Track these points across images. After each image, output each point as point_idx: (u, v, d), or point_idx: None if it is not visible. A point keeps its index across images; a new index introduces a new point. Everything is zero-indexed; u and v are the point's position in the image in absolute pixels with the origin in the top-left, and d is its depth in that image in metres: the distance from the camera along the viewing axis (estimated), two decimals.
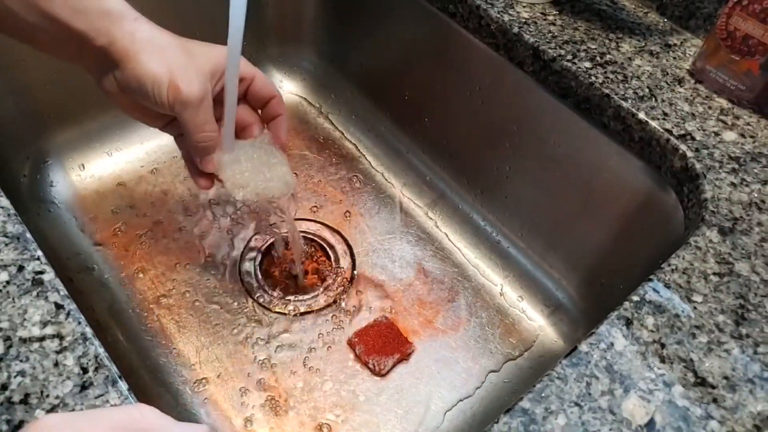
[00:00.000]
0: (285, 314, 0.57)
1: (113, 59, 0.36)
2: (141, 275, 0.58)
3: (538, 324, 0.59)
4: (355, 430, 0.51)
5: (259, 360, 0.54)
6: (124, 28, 0.36)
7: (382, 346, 0.55)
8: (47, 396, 0.29)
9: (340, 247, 0.62)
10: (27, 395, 0.29)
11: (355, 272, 0.61)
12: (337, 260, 0.61)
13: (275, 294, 0.58)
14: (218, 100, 0.40)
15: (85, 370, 0.30)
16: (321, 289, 0.59)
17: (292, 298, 0.58)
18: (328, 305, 0.58)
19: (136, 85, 0.36)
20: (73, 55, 0.37)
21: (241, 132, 0.43)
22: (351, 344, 0.55)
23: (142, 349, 0.53)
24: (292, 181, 0.43)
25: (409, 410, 0.52)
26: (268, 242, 0.62)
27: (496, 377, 0.55)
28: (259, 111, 0.44)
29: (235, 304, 0.57)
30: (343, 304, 0.58)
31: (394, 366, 0.55)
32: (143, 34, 0.36)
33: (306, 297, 0.58)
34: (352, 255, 0.62)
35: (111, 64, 0.36)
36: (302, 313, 0.57)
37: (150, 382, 0.52)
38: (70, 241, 0.60)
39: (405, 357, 0.55)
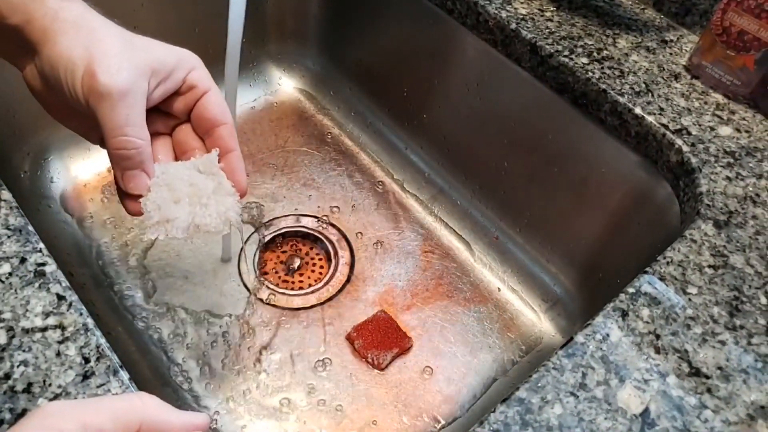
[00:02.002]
0: (284, 308, 0.57)
1: (31, 42, 0.30)
2: (141, 271, 0.58)
3: (536, 318, 0.60)
4: (354, 424, 0.51)
5: (258, 355, 0.54)
6: (48, 4, 0.29)
7: (381, 341, 0.56)
8: (50, 385, 0.29)
9: (339, 243, 0.63)
10: (30, 384, 0.29)
11: (354, 267, 0.61)
12: (335, 255, 0.62)
13: (273, 288, 0.59)
14: (159, 113, 0.33)
15: (86, 360, 0.30)
16: (320, 284, 0.60)
17: (290, 292, 0.59)
18: (327, 300, 0.59)
19: (50, 73, 0.29)
20: None
21: (179, 156, 0.34)
22: (350, 339, 0.56)
23: (142, 343, 0.54)
24: (235, 217, 0.33)
25: (408, 404, 0.53)
26: (268, 236, 0.62)
27: (494, 371, 0.56)
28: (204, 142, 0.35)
29: (234, 299, 0.57)
30: (341, 299, 0.59)
31: (392, 360, 0.55)
32: (69, 14, 0.29)
33: (304, 291, 0.59)
34: (350, 250, 0.62)
35: (30, 50, 0.30)
36: (301, 308, 0.58)
37: (150, 375, 0.52)
38: (70, 236, 0.60)
39: (404, 351, 0.56)
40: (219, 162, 0.32)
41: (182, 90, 0.32)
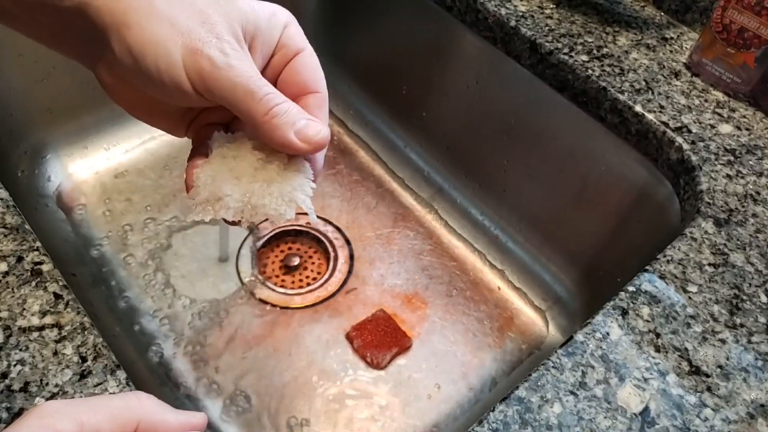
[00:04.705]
0: (282, 307, 0.57)
1: (97, 29, 0.24)
2: (139, 270, 0.58)
3: (536, 317, 0.60)
4: (353, 423, 0.51)
5: (257, 354, 0.54)
6: None
7: (381, 340, 0.56)
8: (47, 384, 0.29)
9: (338, 241, 0.63)
10: (27, 383, 0.29)
11: (353, 266, 0.61)
12: (334, 253, 0.62)
13: (272, 287, 0.58)
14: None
15: (84, 359, 0.30)
16: (319, 283, 0.59)
17: (289, 291, 0.58)
18: (326, 299, 0.58)
19: (131, 63, 0.24)
20: (54, 33, 0.26)
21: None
22: (349, 338, 0.56)
23: (140, 344, 0.54)
24: (303, 199, 0.26)
25: (407, 403, 0.53)
26: (266, 236, 0.62)
27: (494, 370, 0.56)
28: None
29: (234, 298, 0.57)
30: (341, 298, 0.59)
31: (392, 359, 0.55)
32: None
33: (304, 290, 0.59)
34: (349, 248, 0.62)
35: (98, 39, 0.25)
36: (300, 307, 0.58)
37: (148, 375, 0.52)
38: (68, 235, 0.60)
39: (403, 350, 0.55)
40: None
41: (273, 51, 0.27)
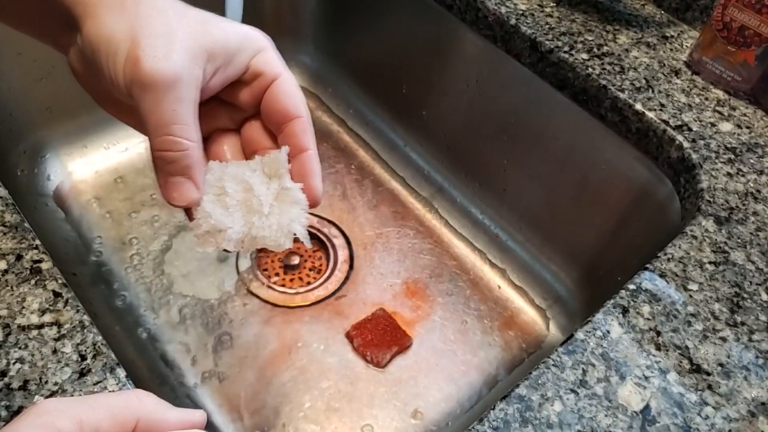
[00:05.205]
0: (282, 306, 0.57)
1: (73, 17, 0.25)
2: (139, 269, 0.58)
3: (536, 316, 0.60)
4: (354, 423, 0.51)
5: (256, 353, 0.54)
6: None
7: (381, 339, 0.55)
8: (46, 382, 0.29)
9: (338, 240, 0.63)
10: (26, 382, 0.29)
11: (353, 265, 0.61)
12: (334, 253, 0.62)
13: (272, 286, 0.58)
14: (224, 105, 0.28)
15: (83, 357, 0.30)
16: (319, 282, 0.59)
17: (289, 290, 0.58)
18: (326, 297, 0.58)
19: (91, 56, 0.25)
20: (35, 20, 0.27)
21: (248, 157, 0.29)
22: (349, 337, 0.56)
23: (139, 342, 0.53)
24: (300, 231, 0.27)
25: (407, 402, 0.52)
26: None
27: (494, 369, 0.56)
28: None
29: (234, 297, 0.57)
30: (341, 297, 0.59)
31: (392, 358, 0.55)
32: None
33: (304, 289, 0.59)
34: (349, 247, 0.62)
35: (72, 26, 0.26)
36: (300, 306, 0.57)
37: (147, 374, 0.52)
38: (67, 234, 0.60)
39: (403, 349, 0.55)
40: (289, 163, 0.27)
41: (247, 78, 0.27)
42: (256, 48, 0.27)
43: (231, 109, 0.28)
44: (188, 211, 0.27)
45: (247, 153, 0.28)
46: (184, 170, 0.25)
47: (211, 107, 0.27)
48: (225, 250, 0.27)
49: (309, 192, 0.27)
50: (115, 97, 0.26)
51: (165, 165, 0.25)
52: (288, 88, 0.27)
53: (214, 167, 0.27)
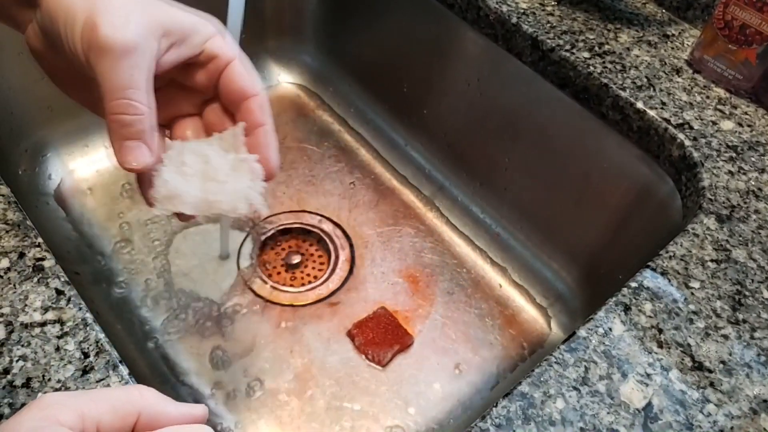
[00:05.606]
0: (283, 305, 0.57)
1: None
2: (140, 267, 0.58)
3: (537, 315, 0.60)
4: (355, 421, 0.51)
5: (258, 351, 0.54)
6: None
7: (382, 338, 0.55)
8: (49, 380, 0.29)
9: (339, 239, 0.63)
10: (29, 379, 0.29)
11: (354, 264, 0.61)
12: (335, 252, 0.62)
13: (273, 285, 0.58)
14: (184, 90, 0.29)
15: (86, 355, 0.30)
16: (320, 281, 0.59)
17: (290, 288, 0.58)
18: (327, 296, 0.58)
19: (50, 27, 0.26)
20: None
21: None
22: (350, 335, 0.56)
23: (140, 342, 0.53)
24: (256, 198, 0.29)
25: (408, 401, 0.52)
26: (268, 233, 0.62)
27: (495, 367, 0.56)
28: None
29: (235, 295, 0.57)
30: (342, 296, 0.59)
31: (393, 357, 0.55)
32: None
33: (305, 288, 0.59)
34: (350, 246, 0.62)
35: (31, 4, 0.27)
36: (301, 305, 0.57)
37: (148, 372, 0.52)
38: (69, 233, 0.60)
39: (404, 348, 0.55)
40: (246, 137, 0.29)
41: (202, 60, 0.29)
42: (210, 32, 0.28)
43: (190, 93, 0.30)
44: (140, 177, 0.29)
45: (209, 135, 0.30)
46: (139, 134, 0.26)
47: (172, 94, 0.29)
48: (181, 216, 0.29)
49: (265, 163, 0.29)
50: (72, 72, 0.27)
51: (120, 128, 0.26)
52: (242, 68, 0.29)
53: (175, 145, 0.29)
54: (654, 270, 0.38)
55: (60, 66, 0.28)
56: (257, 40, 0.75)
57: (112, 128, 0.26)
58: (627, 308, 0.36)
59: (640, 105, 0.48)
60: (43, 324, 0.31)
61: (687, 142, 0.46)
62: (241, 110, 0.29)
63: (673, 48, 0.55)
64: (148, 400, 0.22)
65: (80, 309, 0.32)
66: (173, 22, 0.27)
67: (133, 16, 0.25)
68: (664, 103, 0.49)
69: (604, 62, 0.51)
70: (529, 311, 0.60)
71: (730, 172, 0.45)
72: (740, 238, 0.40)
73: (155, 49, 0.26)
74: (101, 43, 0.24)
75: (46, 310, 0.31)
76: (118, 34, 0.24)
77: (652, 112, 0.48)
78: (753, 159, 0.46)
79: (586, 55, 0.52)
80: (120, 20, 0.25)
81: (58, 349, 0.30)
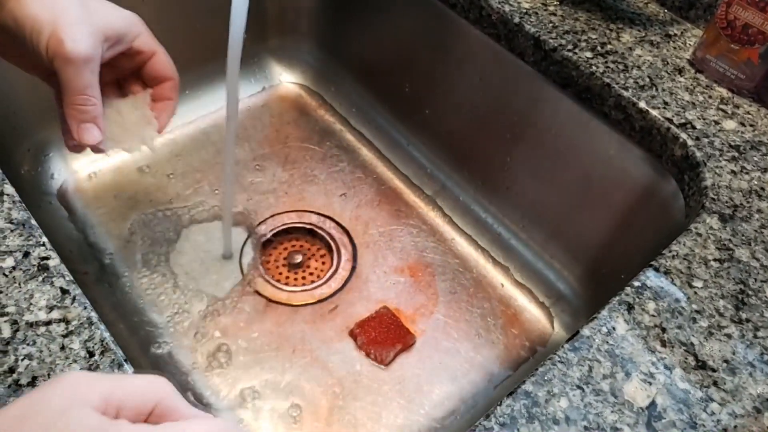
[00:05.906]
0: (286, 304, 0.57)
1: None
2: (143, 267, 0.58)
3: (540, 315, 0.60)
4: (358, 420, 0.51)
5: (261, 351, 0.54)
6: None
7: (384, 337, 0.56)
8: None
9: (341, 239, 0.63)
10: (34, 378, 0.29)
11: (356, 263, 0.61)
12: (338, 251, 0.62)
13: (276, 284, 0.58)
14: (109, 67, 0.38)
15: (91, 354, 0.30)
16: (322, 280, 0.59)
17: (293, 288, 0.58)
18: (329, 296, 0.58)
19: (15, 29, 0.34)
20: None
21: (125, 95, 0.42)
22: (353, 335, 0.56)
23: (144, 341, 0.54)
24: (150, 142, 0.42)
25: (411, 400, 0.53)
26: (270, 233, 0.62)
27: (498, 366, 0.56)
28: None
29: (237, 295, 0.57)
30: (344, 295, 0.59)
31: (395, 356, 0.55)
32: None
33: (307, 287, 0.59)
34: (353, 246, 0.62)
35: None
36: (303, 304, 0.58)
37: (152, 372, 0.52)
38: (71, 232, 0.60)
39: (407, 347, 0.55)
40: (155, 102, 0.41)
41: (130, 53, 0.39)
42: (137, 32, 0.38)
43: (113, 68, 0.39)
44: (93, 148, 0.39)
45: (125, 96, 0.41)
46: (94, 119, 0.36)
47: (104, 71, 0.37)
48: (93, 148, 0.38)
49: (161, 122, 0.41)
50: (25, 56, 0.35)
51: (79, 115, 0.36)
52: (163, 59, 0.40)
53: (111, 101, 0.40)
54: (657, 269, 0.38)
55: (12, 50, 0.37)
56: (259, 40, 0.75)
57: (72, 115, 0.36)
58: (630, 307, 0.36)
59: (642, 105, 0.48)
60: (48, 323, 0.31)
61: (689, 142, 0.46)
62: (159, 87, 0.41)
63: (675, 48, 0.55)
64: (168, 392, 0.23)
65: (85, 308, 0.32)
66: (110, 29, 0.35)
67: (87, 29, 0.33)
68: (666, 103, 0.49)
69: (606, 62, 0.51)
70: (532, 311, 0.60)
71: (732, 171, 0.45)
72: (743, 238, 0.40)
73: (100, 54, 0.35)
74: (66, 55, 0.33)
75: (51, 309, 0.31)
76: (79, 48, 0.33)
77: (654, 112, 0.48)
78: (755, 158, 0.46)
79: (589, 54, 0.52)
80: (78, 36, 0.33)
81: (63, 348, 0.30)
